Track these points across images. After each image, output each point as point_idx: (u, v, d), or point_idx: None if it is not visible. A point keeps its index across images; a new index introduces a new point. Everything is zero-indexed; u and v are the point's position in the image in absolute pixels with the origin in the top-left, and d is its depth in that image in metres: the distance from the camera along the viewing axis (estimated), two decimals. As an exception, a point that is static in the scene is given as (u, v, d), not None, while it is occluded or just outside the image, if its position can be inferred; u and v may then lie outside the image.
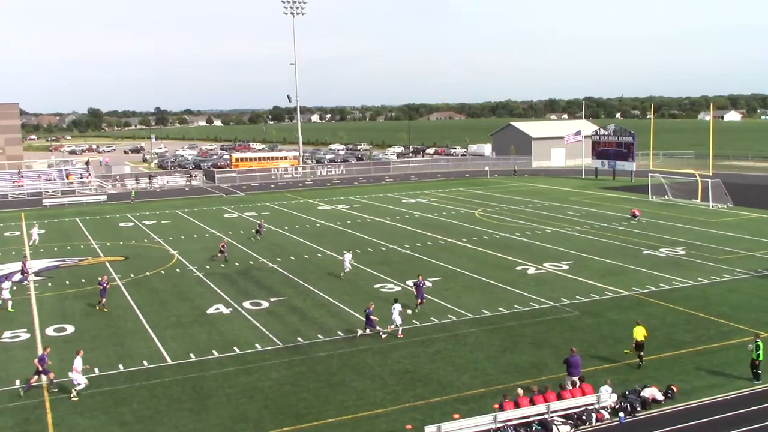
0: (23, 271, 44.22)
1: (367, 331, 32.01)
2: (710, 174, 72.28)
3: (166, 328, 34.22)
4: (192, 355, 30.21)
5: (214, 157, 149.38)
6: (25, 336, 33.21)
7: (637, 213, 62.93)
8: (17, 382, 27.48)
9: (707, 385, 25.99)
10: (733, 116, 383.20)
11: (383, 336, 31.85)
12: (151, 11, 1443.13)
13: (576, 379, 25.12)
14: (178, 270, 46.34)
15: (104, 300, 37.45)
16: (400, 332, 32.06)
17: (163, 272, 45.63)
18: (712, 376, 26.76)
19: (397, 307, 32.34)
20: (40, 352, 29.31)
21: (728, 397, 24.87)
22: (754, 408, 23.89)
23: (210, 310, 36.98)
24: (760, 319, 33.34)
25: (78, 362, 26.49)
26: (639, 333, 28.08)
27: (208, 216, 70.48)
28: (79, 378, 26.24)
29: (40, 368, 26.88)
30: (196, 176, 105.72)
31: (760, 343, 26.48)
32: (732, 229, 56.58)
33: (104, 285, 37.84)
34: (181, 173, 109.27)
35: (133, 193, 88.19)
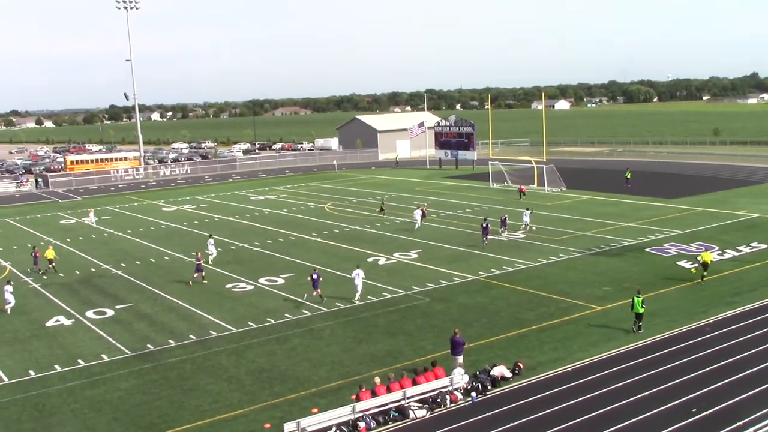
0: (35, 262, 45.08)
1: None
2: (544, 160, 76.61)
3: (0, 345, 31.90)
4: (31, 372, 28.35)
5: (47, 160, 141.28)
6: None
7: (523, 190, 66.80)
8: None
9: (550, 359, 27.49)
10: (562, 105, 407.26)
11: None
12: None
13: (459, 358, 25.92)
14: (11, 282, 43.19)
15: (202, 274, 41.00)
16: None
17: (-6, 286, 42.37)
18: (554, 351, 28.34)
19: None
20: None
21: (569, 369, 26.43)
22: (592, 377, 25.53)
23: (50, 323, 34.82)
24: (594, 293, 35.68)
25: None
26: (707, 257, 37.10)
27: (42, 223, 66.28)
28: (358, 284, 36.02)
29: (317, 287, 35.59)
30: (27, 182, 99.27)
31: (639, 298, 29.51)
32: (566, 210, 60.16)
33: (199, 260, 41.75)
34: (10, 179, 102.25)
35: None
